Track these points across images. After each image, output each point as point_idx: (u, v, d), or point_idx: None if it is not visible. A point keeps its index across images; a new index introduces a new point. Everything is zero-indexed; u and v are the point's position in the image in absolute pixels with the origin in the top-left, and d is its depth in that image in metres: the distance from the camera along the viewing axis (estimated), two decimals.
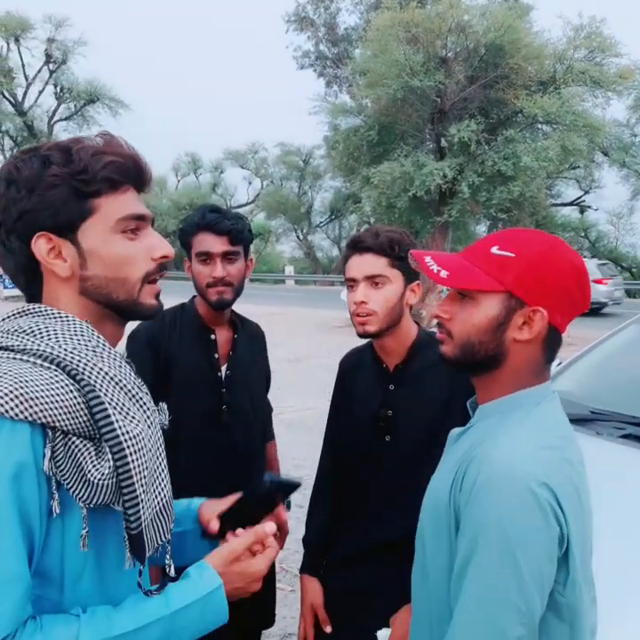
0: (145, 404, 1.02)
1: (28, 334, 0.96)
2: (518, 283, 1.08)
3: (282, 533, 1.24)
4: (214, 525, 1.18)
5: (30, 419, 0.86)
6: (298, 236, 43.07)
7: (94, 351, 0.98)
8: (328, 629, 1.80)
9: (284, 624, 3.18)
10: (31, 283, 1.04)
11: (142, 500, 0.94)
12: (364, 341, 1.92)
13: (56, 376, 0.92)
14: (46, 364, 0.93)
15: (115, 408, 0.94)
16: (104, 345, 1.01)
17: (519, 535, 0.97)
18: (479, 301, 1.11)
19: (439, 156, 17.18)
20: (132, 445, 0.93)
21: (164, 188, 44.07)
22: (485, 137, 16.22)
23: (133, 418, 0.96)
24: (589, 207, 32.55)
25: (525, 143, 16.33)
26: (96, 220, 1.00)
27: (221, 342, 2.01)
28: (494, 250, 1.11)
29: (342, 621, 1.79)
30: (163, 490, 1.02)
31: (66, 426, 0.89)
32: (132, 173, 1.03)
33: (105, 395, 0.94)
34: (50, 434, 0.89)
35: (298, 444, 6.11)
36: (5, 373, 0.88)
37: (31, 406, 0.86)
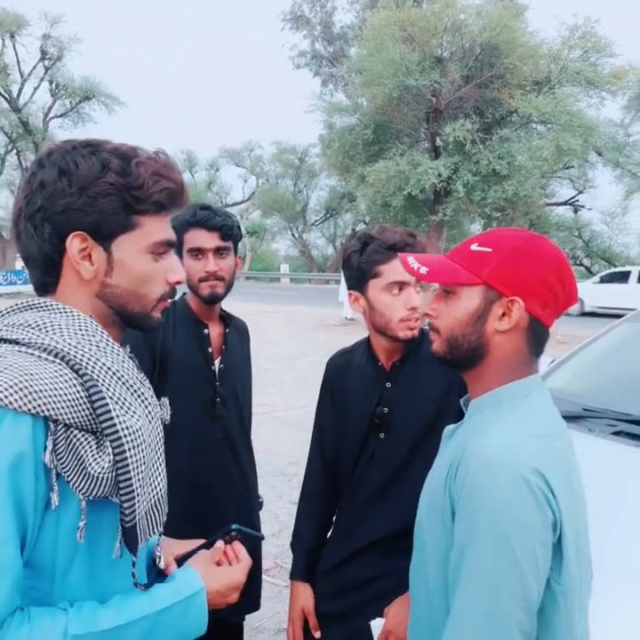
0: (146, 399, 1.04)
1: (33, 328, 0.97)
2: (494, 274, 1.12)
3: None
4: (173, 569, 1.17)
5: (33, 411, 0.87)
6: (293, 235, 43.06)
7: (97, 346, 0.99)
8: (317, 635, 1.81)
9: (279, 619, 3.20)
10: (49, 273, 1.04)
11: (138, 494, 0.95)
12: (353, 342, 1.93)
13: (60, 370, 0.92)
14: (51, 358, 0.93)
15: (116, 403, 0.95)
16: (108, 340, 1.02)
17: (513, 522, 0.99)
18: (460, 296, 1.15)
19: (434, 155, 17.21)
20: (132, 440, 0.94)
21: None
22: (480, 136, 16.27)
23: (134, 413, 0.97)
24: (583, 207, 32.59)
25: (520, 143, 16.41)
26: (134, 236, 1.03)
27: (214, 337, 2.07)
28: (474, 247, 1.16)
29: (335, 617, 1.80)
30: (159, 484, 1.04)
31: (68, 419, 0.90)
32: (178, 201, 1.07)
33: (107, 389, 0.95)
34: (52, 426, 0.90)
35: (293, 442, 6.13)
36: (10, 366, 0.89)
37: (34, 399, 0.87)
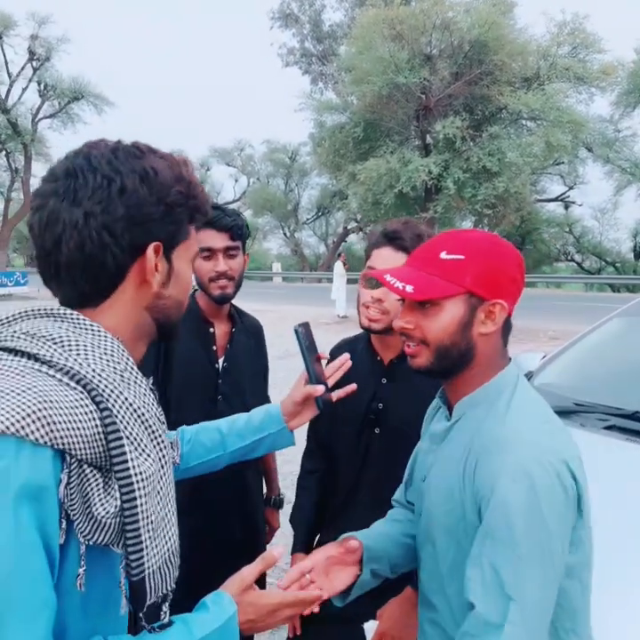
0: (162, 441, 0.96)
1: (56, 343, 0.89)
2: (476, 282, 1.15)
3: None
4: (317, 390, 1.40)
5: (50, 443, 0.80)
6: (285, 234, 43.00)
7: (122, 376, 0.92)
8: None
9: None
10: (108, 285, 0.96)
11: (147, 546, 0.89)
12: (354, 333, 1.94)
13: (81, 399, 0.85)
14: (73, 384, 0.86)
15: (132, 443, 0.88)
16: (132, 368, 0.95)
17: (549, 510, 1.05)
18: (443, 306, 1.16)
19: (424, 152, 17.22)
20: (143, 487, 0.87)
21: None
22: (470, 133, 16.29)
23: (148, 456, 0.91)
24: (574, 203, 32.72)
25: (510, 139, 16.44)
26: (186, 246, 1.03)
27: (220, 335, 2.10)
28: (444, 255, 1.17)
29: (328, 618, 1.80)
30: (172, 537, 0.97)
31: (82, 454, 0.84)
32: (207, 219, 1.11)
33: (125, 427, 0.88)
34: (67, 459, 0.83)
35: None
36: (29, 389, 0.81)
37: (53, 431, 0.80)
